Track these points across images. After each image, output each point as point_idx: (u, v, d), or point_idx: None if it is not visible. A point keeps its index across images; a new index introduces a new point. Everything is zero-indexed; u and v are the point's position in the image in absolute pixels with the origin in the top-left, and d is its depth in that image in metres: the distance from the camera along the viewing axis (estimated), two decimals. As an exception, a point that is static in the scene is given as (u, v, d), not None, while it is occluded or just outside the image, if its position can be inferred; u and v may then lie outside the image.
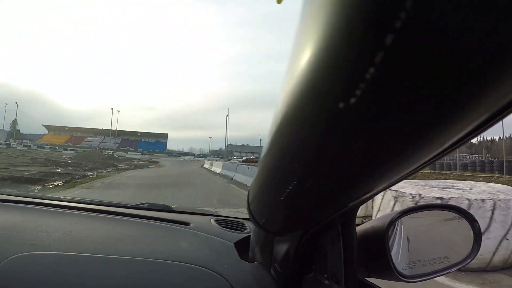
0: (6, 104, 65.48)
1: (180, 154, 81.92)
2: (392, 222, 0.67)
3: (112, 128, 76.05)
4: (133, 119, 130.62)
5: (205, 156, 78.22)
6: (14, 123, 75.51)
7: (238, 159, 58.66)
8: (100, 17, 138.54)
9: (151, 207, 1.15)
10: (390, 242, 0.67)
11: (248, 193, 0.54)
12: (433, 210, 0.86)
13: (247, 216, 0.76)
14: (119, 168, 19.47)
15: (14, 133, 72.45)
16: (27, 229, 0.82)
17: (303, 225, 0.52)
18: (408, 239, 0.77)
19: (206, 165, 25.00)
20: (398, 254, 0.70)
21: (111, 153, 45.97)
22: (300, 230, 0.55)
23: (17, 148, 42.74)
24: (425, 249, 0.79)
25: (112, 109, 73.79)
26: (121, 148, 76.54)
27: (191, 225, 0.94)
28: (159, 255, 0.72)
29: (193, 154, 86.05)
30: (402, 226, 0.77)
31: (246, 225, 0.98)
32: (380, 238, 0.64)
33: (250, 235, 0.82)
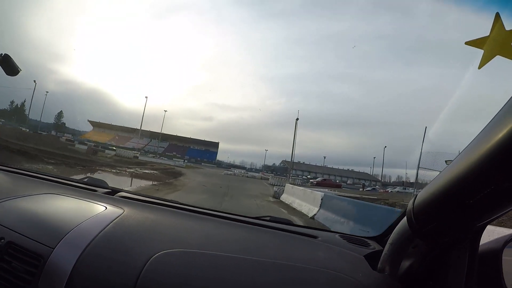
0: (47, 92, 57.95)
1: (230, 166, 69.39)
2: (508, 242, 0.69)
3: (148, 131, 66.81)
4: (188, 127, 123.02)
5: (257, 170, 66.35)
6: (60, 115, 69.72)
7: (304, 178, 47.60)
8: (169, 24, 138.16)
9: (274, 220, 1.22)
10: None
11: (414, 201, 0.61)
12: None
13: (356, 235, 1.09)
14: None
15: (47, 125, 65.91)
16: (169, 228, 0.91)
17: (454, 233, 0.59)
18: None
19: (286, 196, 12.51)
20: (507, 272, 0.70)
21: (136, 155, 37.70)
22: (448, 238, 0.59)
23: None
24: None
25: (165, 111, 64.56)
26: (166, 154, 66.30)
27: (319, 238, 1.01)
28: (300, 261, 0.79)
29: (244, 168, 72.96)
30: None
31: (369, 242, 1.04)
32: (494, 257, 0.67)
33: (376, 250, 0.91)
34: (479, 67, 0.43)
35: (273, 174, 47.47)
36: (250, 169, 71.36)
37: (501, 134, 0.37)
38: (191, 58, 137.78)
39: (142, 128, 76.06)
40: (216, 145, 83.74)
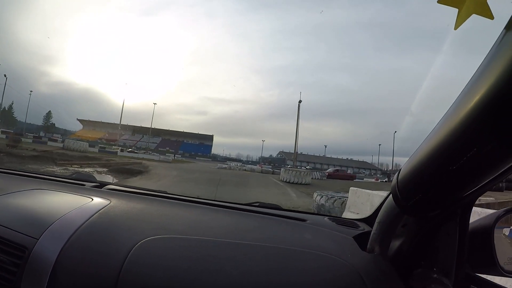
0: (31, 91, 56.28)
1: (226, 159, 67.81)
2: (499, 218, 0.70)
3: (140, 126, 64.86)
4: (182, 122, 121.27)
5: (254, 163, 64.68)
6: (48, 115, 67.98)
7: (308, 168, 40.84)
8: (158, 22, 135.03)
9: (263, 205, 1.22)
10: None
11: (398, 176, 0.60)
12: None
13: (356, 217, 1.09)
14: None
15: (29, 127, 64.23)
16: (155, 216, 0.90)
17: (442, 206, 0.57)
18: (508, 236, 0.77)
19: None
20: (499, 249, 0.71)
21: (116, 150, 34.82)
22: (436, 212, 0.59)
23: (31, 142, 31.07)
24: None
25: (154, 104, 62.58)
26: (159, 149, 64.77)
27: (307, 221, 1.00)
28: (288, 243, 0.79)
29: (240, 160, 71.43)
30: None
31: (358, 224, 1.04)
32: (486, 234, 0.68)
33: (366, 231, 0.92)
34: (455, 28, 0.42)
35: (271, 166, 44.88)
36: (247, 162, 69.94)
37: (482, 92, 0.36)
38: (183, 53, 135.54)
39: (136, 125, 74.20)
40: (210, 138, 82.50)
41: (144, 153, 45.19)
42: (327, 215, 1.15)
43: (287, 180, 18.40)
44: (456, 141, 0.42)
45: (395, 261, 0.69)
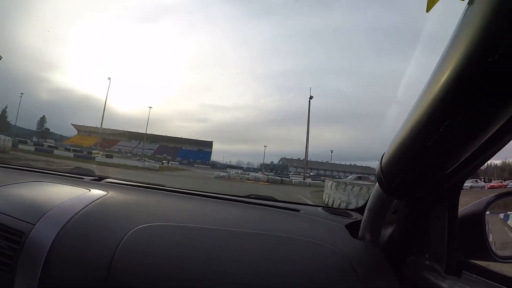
0: (22, 93, 54.22)
1: (226, 166, 65.15)
2: (489, 204, 0.70)
3: (137, 131, 62.42)
4: (183, 129, 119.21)
5: (255, 170, 61.84)
6: (43, 120, 66.08)
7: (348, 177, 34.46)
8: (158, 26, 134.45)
9: (258, 197, 1.26)
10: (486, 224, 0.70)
11: (381, 161, 0.60)
12: None
13: (351, 207, 1.08)
14: None
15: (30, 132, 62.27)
16: (151, 206, 0.92)
17: (426, 187, 0.56)
18: (503, 220, 0.78)
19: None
20: (492, 235, 0.71)
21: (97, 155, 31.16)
22: (421, 193, 0.58)
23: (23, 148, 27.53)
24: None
25: (150, 107, 60.32)
26: (156, 156, 62.30)
27: (301, 211, 1.03)
28: (281, 231, 0.81)
29: (241, 168, 68.61)
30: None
31: (351, 213, 1.06)
32: (477, 219, 0.68)
33: (358, 220, 0.92)
34: (427, 10, 0.42)
35: (273, 173, 41.04)
36: (248, 169, 67.01)
37: (448, 69, 0.37)
38: (183, 59, 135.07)
39: (132, 131, 71.97)
40: (209, 144, 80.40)
41: (139, 159, 42.45)
42: (320, 206, 1.18)
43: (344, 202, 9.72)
44: (429, 116, 0.42)
45: (387, 248, 0.69)
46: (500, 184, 36.47)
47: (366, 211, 0.75)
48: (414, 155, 0.49)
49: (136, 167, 25.02)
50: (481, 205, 0.68)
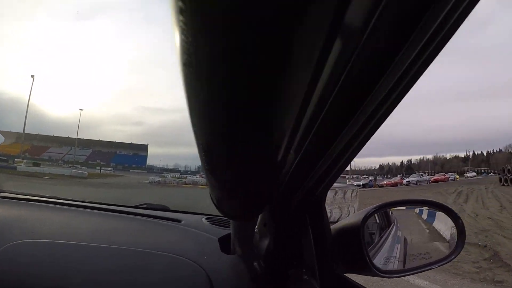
0: None
1: (163, 170, 68.70)
2: (367, 218, 0.67)
3: (68, 137, 64.60)
4: (118, 133, 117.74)
5: (193, 173, 62.35)
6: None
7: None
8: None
9: (150, 207, 1.24)
10: (368, 238, 0.68)
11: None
12: (411, 206, 0.84)
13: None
14: None
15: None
16: (29, 221, 0.90)
17: (259, 206, 0.46)
18: (400, 235, 0.77)
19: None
20: (378, 249, 0.70)
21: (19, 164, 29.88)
22: (261, 212, 0.55)
23: None
24: (405, 245, 0.77)
25: (80, 110, 61.87)
26: (89, 162, 64.04)
27: (182, 222, 1.02)
28: (146, 246, 0.80)
29: (178, 171, 72.32)
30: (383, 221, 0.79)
31: None
32: (355, 233, 0.65)
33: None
34: None
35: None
36: (185, 172, 67.77)
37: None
38: (120, 60, 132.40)
39: (63, 136, 71.65)
40: (145, 148, 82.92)
41: (70, 167, 44.14)
42: (207, 214, 1.15)
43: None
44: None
45: (267, 261, 0.67)
46: (443, 177, 37.29)
47: (231, 225, 0.72)
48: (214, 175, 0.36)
49: (62, 176, 25.08)
50: (359, 219, 0.65)
